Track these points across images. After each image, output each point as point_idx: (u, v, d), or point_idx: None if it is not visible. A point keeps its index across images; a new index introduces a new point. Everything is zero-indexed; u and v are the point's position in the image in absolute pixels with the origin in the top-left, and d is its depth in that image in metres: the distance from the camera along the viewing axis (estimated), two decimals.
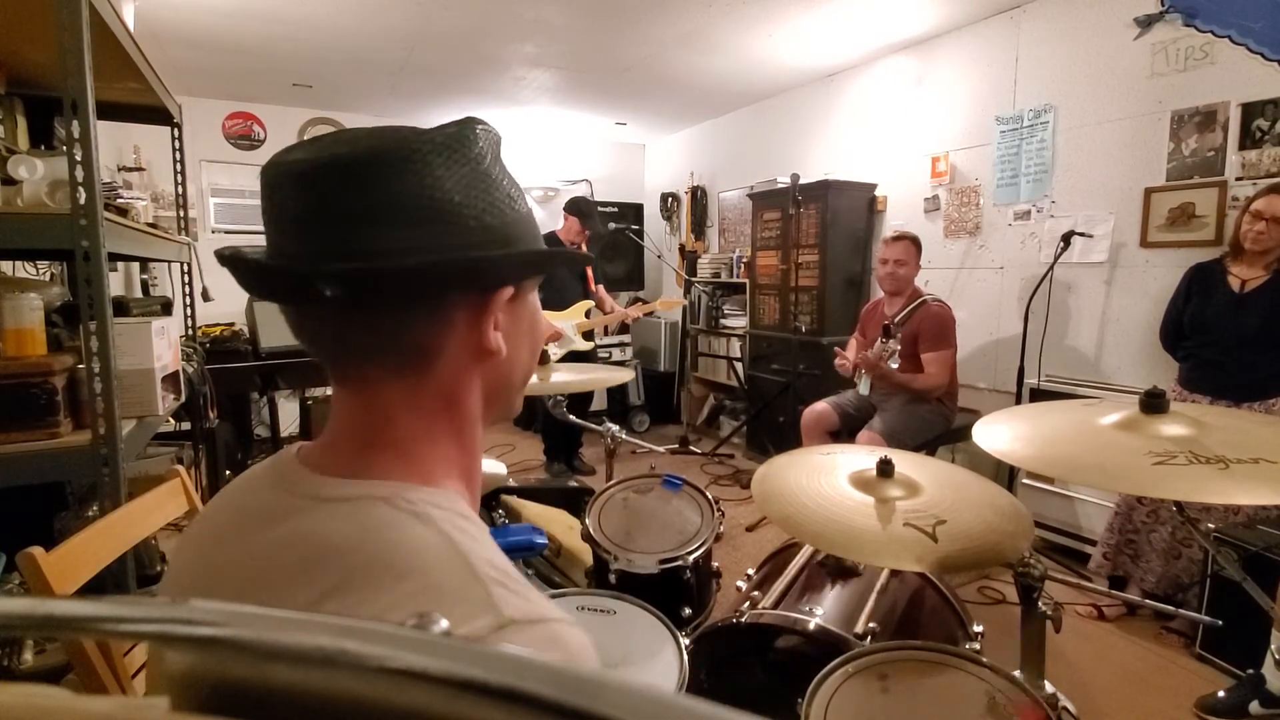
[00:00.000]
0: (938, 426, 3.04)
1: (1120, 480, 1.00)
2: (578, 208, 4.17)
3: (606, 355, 5.34)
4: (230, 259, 0.51)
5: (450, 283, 0.50)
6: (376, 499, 0.49)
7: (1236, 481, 0.90)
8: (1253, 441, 0.99)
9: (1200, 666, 2.22)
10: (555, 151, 6.38)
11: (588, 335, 4.29)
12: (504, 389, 0.59)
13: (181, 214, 2.71)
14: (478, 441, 0.57)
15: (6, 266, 2.24)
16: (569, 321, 4.22)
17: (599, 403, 5.28)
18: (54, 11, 1.24)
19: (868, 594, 1.45)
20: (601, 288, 4.38)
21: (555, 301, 4.19)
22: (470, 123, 0.52)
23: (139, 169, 2.45)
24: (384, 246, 0.47)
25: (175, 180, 2.68)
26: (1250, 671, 1.99)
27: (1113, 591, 2.32)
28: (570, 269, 4.21)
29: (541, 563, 2.38)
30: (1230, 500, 0.91)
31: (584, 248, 4.23)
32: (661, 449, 3.08)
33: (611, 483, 1.89)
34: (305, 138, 0.52)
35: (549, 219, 6.24)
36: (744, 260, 5.09)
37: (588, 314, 4.26)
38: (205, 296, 2.68)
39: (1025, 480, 3.12)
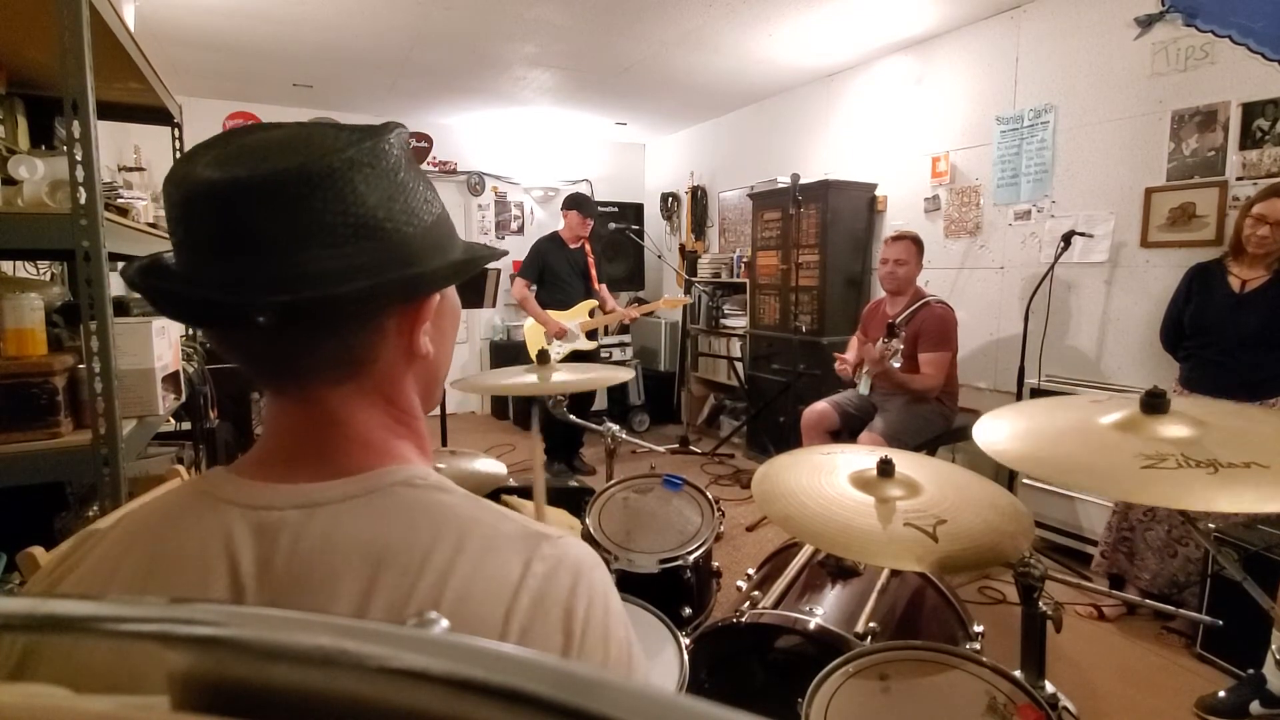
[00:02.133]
0: (938, 426, 3.04)
1: (1108, 484, 0.99)
2: (575, 202, 4.20)
3: (607, 355, 5.35)
4: (145, 289, 0.49)
5: (388, 300, 0.51)
6: (393, 485, 0.51)
7: (1223, 487, 0.89)
8: (1250, 442, 0.99)
9: (1200, 666, 2.22)
10: (555, 151, 6.38)
11: (591, 335, 4.30)
12: (433, 385, 0.61)
13: None
14: (426, 431, 0.60)
15: (6, 266, 2.24)
16: (573, 321, 4.23)
17: (599, 403, 5.28)
18: (54, 11, 1.24)
19: (868, 594, 1.45)
20: (604, 287, 4.39)
21: (559, 301, 4.20)
22: (384, 132, 0.51)
23: (139, 169, 2.45)
24: (314, 269, 0.46)
25: None
26: (1251, 671, 1.99)
27: (1113, 591, 2.31)
28: (574, 267, 4.23)
29: None
30: (1213, 507, 0.90)
31: (588, 240, 4.25)
32: (661, 449, 3.08)
33: (612, 482, 1.89)
34: (207, 141, 0.52)
35: (550, 219, 6.24)
36: (744, 260, 5.09)
37: (591, 313, 4.27)
38: None
39: (1025, 480, 3.12)
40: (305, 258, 0.46)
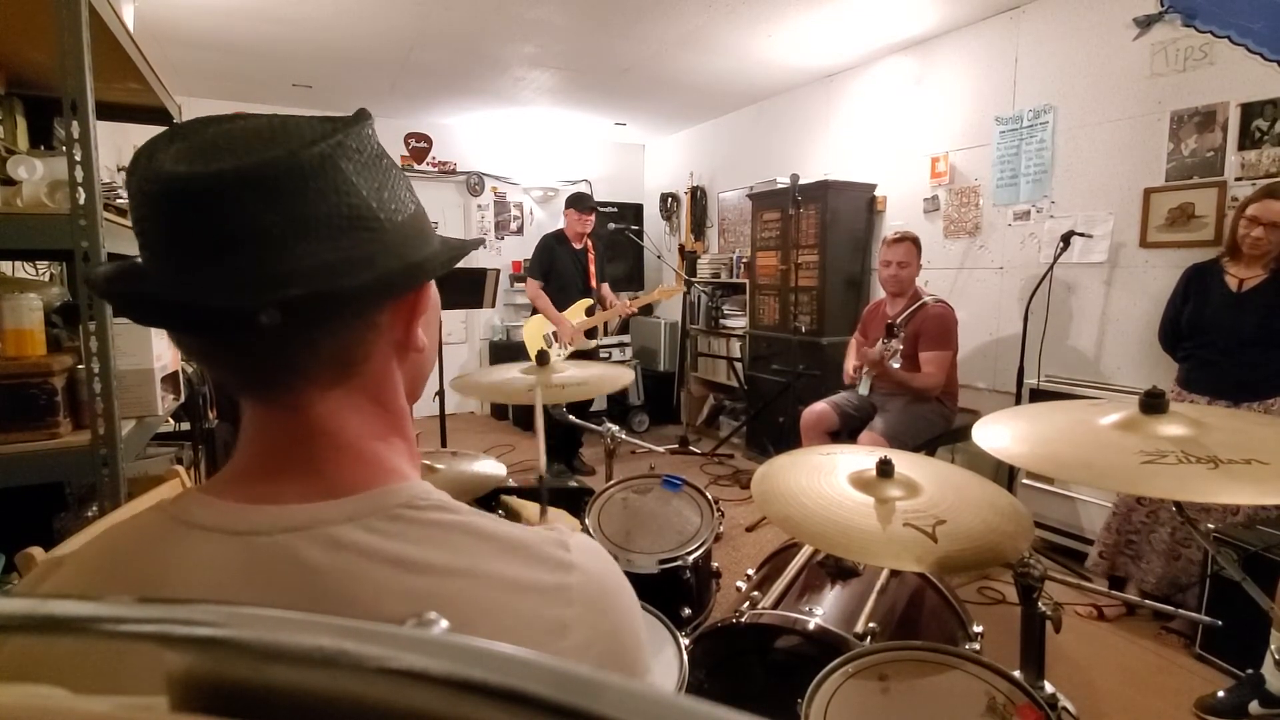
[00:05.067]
0: (938, 427, 3.04)
1: (1107, 478, 1.00)
2: (570, 200, 4.25)
3: (606, 355, 5.35)
4: (120, 297, 0.45)
5: (389, 292, 0.50)
6: (396, 508, 0.48)
7: (1224, 481, 0.90)
8: (1249, 442, 0.99)
9: (1200, 666, 2.22)
10: (555, 151, 6.38)
11: (589, 333, 4.30)
12: (420, 381, 0.59)
13: None
14: (413, 433, 0.57)
15: (6, 267, 2.23)
16: (571, 320, 4.23)
17: (599, 403, 5.29)
18: (54, 12, 1.24)
19: (867, 594, 1.45)
20: (606, 286, 4.40)
21: (559, 300, 4.21)
22: (363, 118, 0.49)
23: None
24: (311, 264, 0.44)
25: None
26: (1250, 671, 1.99)
27: (1113, 591, 2.31)
28: (576, 267, 4.24)
29: None
30: (1214, 499, 0.91)
31: (590, 239, 4.29)
32: (661, 449, 3.08)
33: (611, 483, 1.89)
34: (167, 133, 0.47)
35: (549, 219, 6.24)
36: (744, 260, 5.09)
37: (588, 312, 4.27)
38: None
39: (1025, 480, 3.12)
40: (301, 252, 0.43)
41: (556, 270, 4.20)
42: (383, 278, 0.47)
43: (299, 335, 0.46)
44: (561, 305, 4.20)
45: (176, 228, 0.43)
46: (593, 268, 4.30)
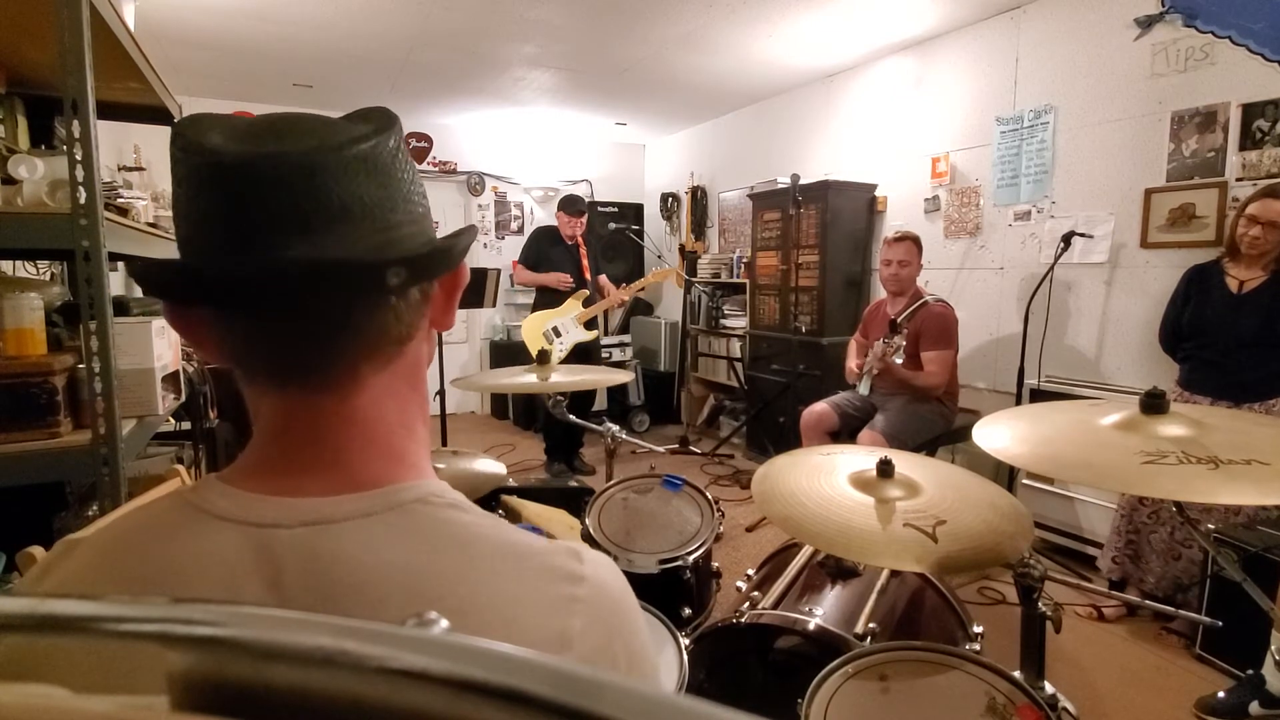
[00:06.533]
0: (938, 427, 3.04)
1: (1107, 478, 1.00)
2: (560, 204, 4.32)
3: (607, 355, 5.35)
4: (198, 277, 0.45)
5: (457, 260, 0.53)
6: (411, 503, 0.48)
7: (1224, 481, 0.90)
8: (1250, 442, 0.99)
9: (1200, 667, 2.22)
10: (555, 151, 6.38)
11: (590, 325, 4.31)
12: (430, 359, 0.59)
13: None
14: (430, 417, 0.59)
15: (6, 266, 2.23)
16: (568, 315, 4.24)
17: (599, 403, 5.29)
18: (54, 11, 1.24)
19: (868, 594, 1.45)
20: (604, 278, 4.42)
21: (553, 296, 4.23)
22: (393, 113, 0.52)
23: (139, 169, 2.45)
24: (405, 234, 0.48)
25: None
26: (1250, 672, 1.99)
27: (1112, 592, 2.31)
28: (569, 260, 4.29)
29: None
30: (1214, 499, 0.91)
31: (581, 238, 4.33)
32: (661, 449, 3.08)
33: (611, 483, 1.89)
34: (195, 120, 0.47)
35: (549, 220, 6.23)
36: (744, 260, 5.09)
37: (586, 303, 4.29)
38: None
39: (1025, 480, 3.12)
40: (396, 220, 0.48)
41: (551, 264, 4.26)
42: (453, 245, 0.51)
43: (370, 306, 0.48)
44: (558, 300, 4.23)
45: (273, 200, 0.44)
46: (585, 261, 4.32)
